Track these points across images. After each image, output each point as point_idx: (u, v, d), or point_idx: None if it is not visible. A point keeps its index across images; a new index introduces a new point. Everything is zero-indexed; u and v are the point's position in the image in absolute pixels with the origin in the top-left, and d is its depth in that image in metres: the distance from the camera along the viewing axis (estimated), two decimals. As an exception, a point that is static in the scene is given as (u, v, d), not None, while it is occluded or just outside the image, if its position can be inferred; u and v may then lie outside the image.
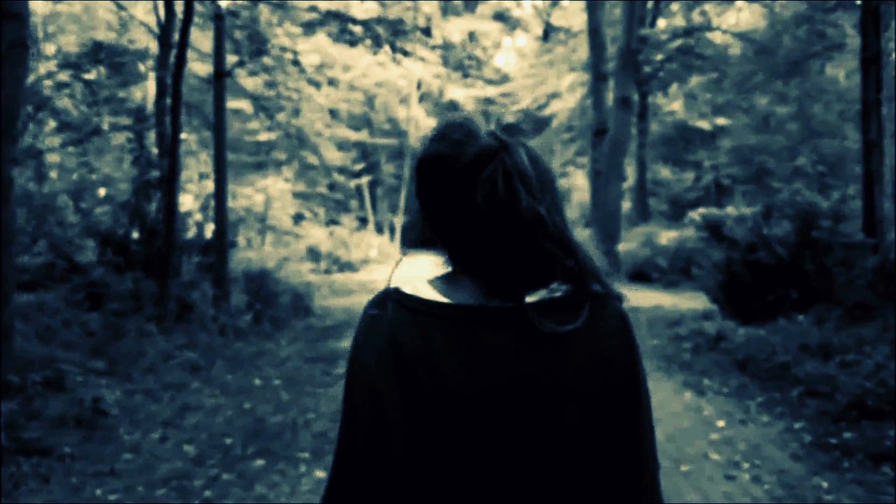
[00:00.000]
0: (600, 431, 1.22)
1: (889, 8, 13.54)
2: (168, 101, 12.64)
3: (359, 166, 35.34)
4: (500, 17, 39.72)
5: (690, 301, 15.35)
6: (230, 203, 21.05)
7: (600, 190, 24.67)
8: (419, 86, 37.97)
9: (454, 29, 39.55)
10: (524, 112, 34.77)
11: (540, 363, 1.20)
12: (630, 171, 27.77)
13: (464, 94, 38.50)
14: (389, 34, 14.79)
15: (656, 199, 30.24)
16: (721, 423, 6.64)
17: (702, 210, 20.50)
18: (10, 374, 6.58)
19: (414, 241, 1.36)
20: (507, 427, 1.17)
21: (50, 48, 17.66)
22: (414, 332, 1.20)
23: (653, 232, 23.12)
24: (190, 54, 16.28)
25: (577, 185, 32.14)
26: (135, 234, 12.34)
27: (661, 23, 28.88)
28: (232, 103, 22.60)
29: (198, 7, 12.98)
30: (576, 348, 1.22)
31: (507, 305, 1.21)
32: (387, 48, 16.13)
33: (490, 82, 39.88)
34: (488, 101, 38.54)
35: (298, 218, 28.98)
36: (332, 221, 32.21)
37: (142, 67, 15.01)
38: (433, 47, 17.10)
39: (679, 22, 28.97)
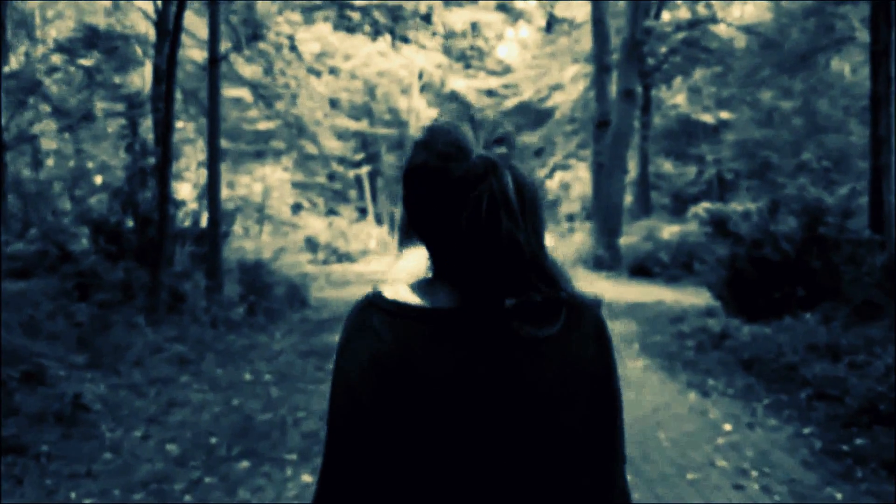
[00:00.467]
0: (575, 434, 1.26)
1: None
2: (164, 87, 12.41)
3: (359, 156, 35.10)
4: (503, 7, 39.37)
5: (693, 297, 15.09)
6: (228, 192, 20.85)
7: (602, 183, 24.44)
8: (421, 76, 37.70)
9: (457, 19, 39.24)
10: (526, 103, 34.51)
11: (517, 367, 1.23)
12: (632, 165, 27.53)
13: (465, 85, 38.25)
14: (388, 20, 14.51)
15: (658, 192, 30.03)
16: (727, 427, 6.37)
17: (705, 204, 20.28)
18: (-12, 368, 6.33)
19: (401, 239, 1.39)
20: (485, 429, 1.21)
21: (51, 33, 17.43)
22: (394, 336, 1.23)
23: (655, 226, 22.84)
24: (187, 41, 16.05)
25: (579, 177, 31.87)
26: (129, 223, 12.07)
27: (666, 15, 28.58)
28: (231, 91, 22.38)
29: (193, -9, 12.72)
30: (553, 353, 1.25)
31: (486, 309, 1.23)
32: (387, 35, 15.88)
33: (492, 73, 39.62)
34: (490, 92, 38.30)
35: (297, 208, 28.75)
36: (332, 212, 31.99)
37: (138, 50, 14.71)
38: (434, 34, 16.81)
39: (684, 14, 28.68)
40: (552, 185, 33.49)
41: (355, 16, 14.71)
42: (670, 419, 6.64)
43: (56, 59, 13.48)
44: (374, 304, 1.28)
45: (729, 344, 9.63)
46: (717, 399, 7.38)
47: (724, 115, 26.69)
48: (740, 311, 11.18)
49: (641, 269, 20.98)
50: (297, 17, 17.51)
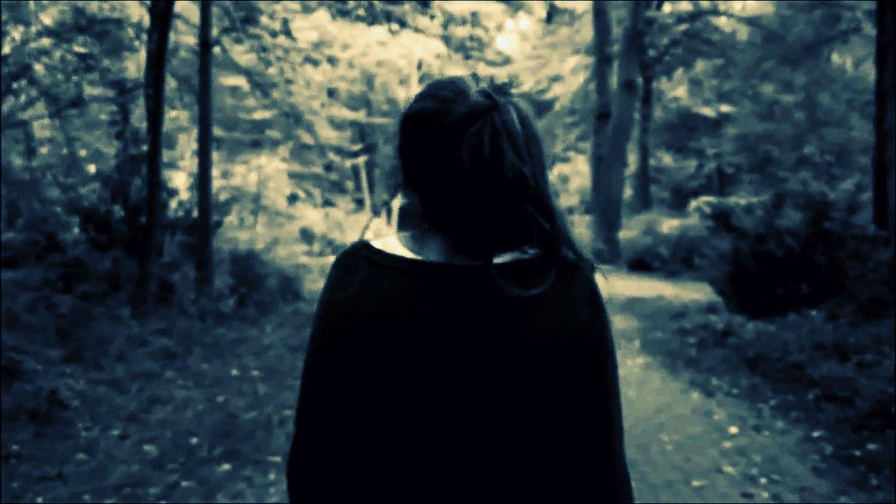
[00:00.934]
0: (563, 397, 1.21)
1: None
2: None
3: (356, 146, 34.80)
4: (504, -4, 39.02)
5: (693, 292, 14.83)
6: (223, 182, 20.55)
7: (602, 175, 24.19)
8: (419, 66, 37.41)
9: (456, 10, 38.89)
10: (525, 94, 34.19)
11: (503, 325, 1.19)
12: (632, 158, 27.25)
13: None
14: (384, 2, 14.18)
15: (658, 186, 29.79)
16: (733, 430, 6.09)
17: (705, 198, 20.07)
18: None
19: (392, 187, 1.35)
20: (466, 386, 1.17)
21: (45, 20, 17.07)
22: (377, 287, 1.21)
23: (654, 220, 22.59)
24: (182, 27, 15.72)
25: (577, 170, 31.59)
26: (118, 212, 11.76)
27: (668, 6, 28.27)
28: (228, 80, 22.10)
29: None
30: (541, 313, 1.21)
31: (474, 265, 1.21)
32: (385, 24, 15.57)
33: (491, 64, 39.32)
34: (489, 83, 37.89)
35: (293, 198, 28.43)
36: (328, 203, 31.69)
37: (130, 32, 14.35)
38: (432, 17, 16.48)
39: (685, 6, 28.34)
40: (551, 177, 33.14)
41: (351, 2, 14.36)
42: (673, 420, 6.36)
43: (45, 42, 13.13)
44: (361, 254, 1.27)
45: (732, 341, 9.36)
46: (721, 399, 7.10)
47: (725, 108, 26.50)
48: (743, 308, 10.92)
49: (641, 264, 20.79)
50: (295, 5, 17.17)
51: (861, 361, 7.48)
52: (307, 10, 21.34)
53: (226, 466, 5.09)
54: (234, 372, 7.96)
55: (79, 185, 12.87)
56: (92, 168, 14.94)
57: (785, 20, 20.25)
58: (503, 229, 1.21)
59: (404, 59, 36.06)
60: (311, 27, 27.37)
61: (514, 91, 1.28)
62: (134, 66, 16.01)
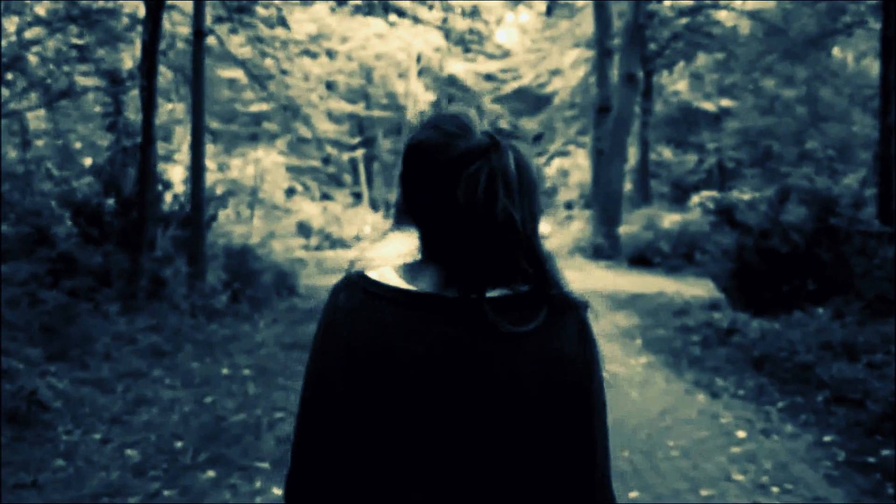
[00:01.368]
0: (551, 429, 1.22)
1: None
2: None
3: (355, 140, 34.54)
4: (504, -10, 38.72)
5: (695, 288, 14.59)
6: (220, 175, 20.30)
7: (602, 170, 23.96)
8: (419, 59, 37.14)
9: (456, 4, 38.60)
10: (525, 88, 34.01)
11: (494, 357, 1.20)
12: (632, 152, 26.97)
13: (464, 69, 37.73)
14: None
15: (657, 181, 29.52)
16: (741, 434, 5.85)
17: (706, 193, 19.87)
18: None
19: (395, 217, 1.37)
20: (451, 420, 1.19)
21: (40, 12, 16.80)
22: (372, 319, 1.23)
23: (655, 214, 22.32)
24: (178, 17, 15.46)
25: (577, 164, 31.32)
26: (111, 205, 11.51)
27: (668, -1, 27.98)
28: (226, 73, 21.85)
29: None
30: (532, 347, 1.22)
31: (467, 298, 1.21)
32: (386, 14, 15.33)
33: (491, 57, 39.05)
34: (489, 76, 37.80)
35: (290, 192, 28.16)
36: (325, 196, 31.43)
37: (125, 22, 14.09)
38: (430, 7, 16.25)
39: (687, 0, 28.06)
40: (550, 171, 32.96)
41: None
42: (679, 424, 6.12)
43: (37, 31, 12.88)
44: (356, 284, 1.28)
45: (737, 340, 9.13)
46: (727, 401, 6.86)
47: (726, 102, 26.28)
48: (747, 305, 10.68)
49: (641, 259, 20.56)
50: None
51: (871, 362, 7.26)
52: (305, 1, 21.11)
53: (210, 473, 4.84)
54: (225, 371, 7.71)
55: (73, 178, 12.63)
56: (88, 161, 14.71)
57: (787, 14, 20.02)
58: (494, 266, 1.22)
59: (403, 52, 35.80)
60: (310, 19, 27.12)
61: (519, 132, 1.30)
62: (130, 58, 15.77)
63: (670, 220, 21.29)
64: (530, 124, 35.15)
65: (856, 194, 10.77)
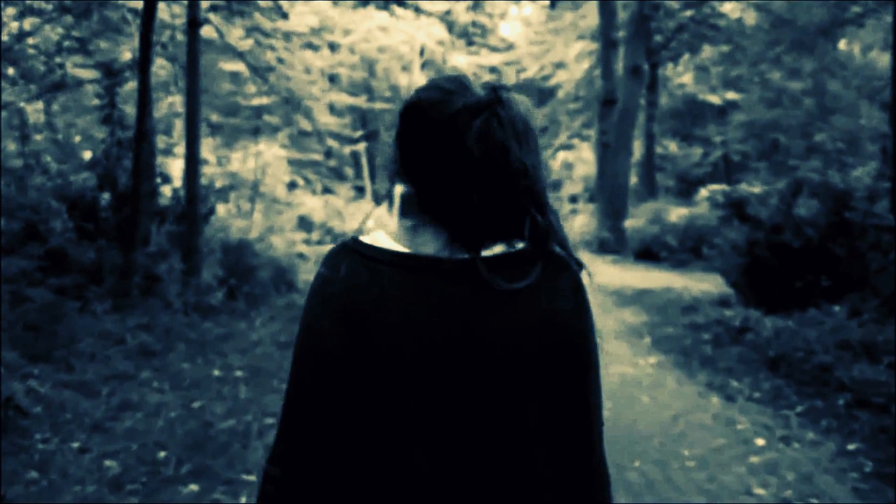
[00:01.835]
0: (545, 389, 1.24)
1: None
2: (154, 57, 11.56)
3: (357, 133, 34.23)
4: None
5: (703, 283, 14.25)
6: (220, 168, 19.99)
7: (608, 163, 23.64)
8: (422, 52, 36.88)
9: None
10: (528, 81, 33.71)
11: (487, 316, 1.21)
12: (637, 145, 26.62)
13: (467, 62, 37.48)
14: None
15: (663, 174, 29.20)
16: (760, 442, 5.50)
17: (714, 186, 19.51)
18: None
19: (389, 176, 1.40)
20: (454, 377, 1.19)
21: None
22: (368, 282, 1.22)
23: (661, 208, 21.96)
24: (178, 10, 15.15)
25: (582, 157, 30.96)
26: (106, 199, 11.20)
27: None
28: (228, 65, 21.54)
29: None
30: (526, 305, 1.23)
31: (463, 258, 1.22)
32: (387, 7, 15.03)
33: (495, 50, 38.79)
34: (492, 69, 37.52)
35: (291, 186, 27.85)
36: (327, 190, 31.11)
37: (119, 14, 13.77)
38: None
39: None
40: (555, 165, 32.64)
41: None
42: (693, 430, 5.78)
43: (28, 23, 12.56)
44: (350, 248, 1.27)
45: (749, 338, 8.77)
46: (743, 405, 6.52)
47: (732, 95, 26.00)
48: (758, 301, 10.34)
49: (648, 253, 20.25)
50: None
51: (892, 363, 6.92)
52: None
53: (193, 487, 4.51)
54: (216, 372, 7.37)
55: (71, 172, 12.33)
56: (88, 154, 14.43)
57: (793, 6, 19.66)
58: (497, 221, 1.23)
59: (406, 44, 35.56)
60: (312, 12, 26.84)
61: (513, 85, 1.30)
62: (130, 50, 15.47)
63: (677, 213, 20.95)
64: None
65: (869, 188, 10.41)
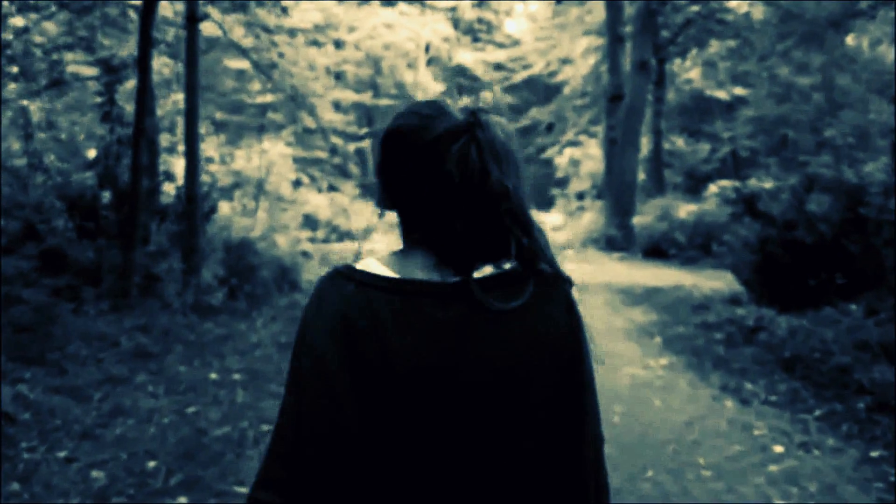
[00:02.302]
0: (542, 408, 1.24)
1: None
2: (155, 53, 11.37)
3: (362, 130, 34.04)
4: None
5: (713, 280, 13.99)
6: (224, 167, 19.77)
7: (615, 159, 23.37)
8: (427, 49, 36.67)
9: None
10: (535, 77, 33.47)
11: (485, 339, 1.21)
12: (644, 141, 26.36)
13: (473, 59, 37.29)
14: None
15: (671, 170, 28.92)
16: (779, 449, 5.25)
17: (723, 182, 19.26)
18: None
19: (377, 203, 1.38)
20: (452, 401, 1.19)
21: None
22: (363, 307, 1.20)
23: (670, 205, 21.70)
24: (179, 7, 14.96)
25: (589, 154, 30.69)
26: (106, 198, 11.01)
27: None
28: (232, 63, 21.36)
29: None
30: (521, 326, 1.24)
31: (455, 281, 1.23)
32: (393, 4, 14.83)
33: (500, 46, 38.57)
34: (498, 65, 37.29)
35: (296, 184, 27.66)
36: (332, 188, 30.91)
37: (116, 11, 13.57)
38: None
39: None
40: (562, 161, 32.39)
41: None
42: (708, 437, 5.53)
43: (23, 19, 12.37)
44: (343, 275, 1.26)
45: (763, 338, 8.52)
46: (759, 409, 6.28)
47: (739, 91, 25.70)
48: (771, 300, 10.08)
49: (656, 251, 19.99)
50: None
51: (913, 364, 6.67)
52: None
53: (182, 500, 4.28)
54: (213, 375, 7.14)
55: (73, 171, 12.14)
56: (92, 153, 14.27)
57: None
58: (483, 242, 1.24)
59: (412, 41, 35.37)
60: (316, 8, 26.66)
61: (498, 109, 1.31)
62: (128, 47, 15.28)
63: (685, 210, 20.71)
64: (541, 114, 34.52)
65: (884, 183, 10.15)
